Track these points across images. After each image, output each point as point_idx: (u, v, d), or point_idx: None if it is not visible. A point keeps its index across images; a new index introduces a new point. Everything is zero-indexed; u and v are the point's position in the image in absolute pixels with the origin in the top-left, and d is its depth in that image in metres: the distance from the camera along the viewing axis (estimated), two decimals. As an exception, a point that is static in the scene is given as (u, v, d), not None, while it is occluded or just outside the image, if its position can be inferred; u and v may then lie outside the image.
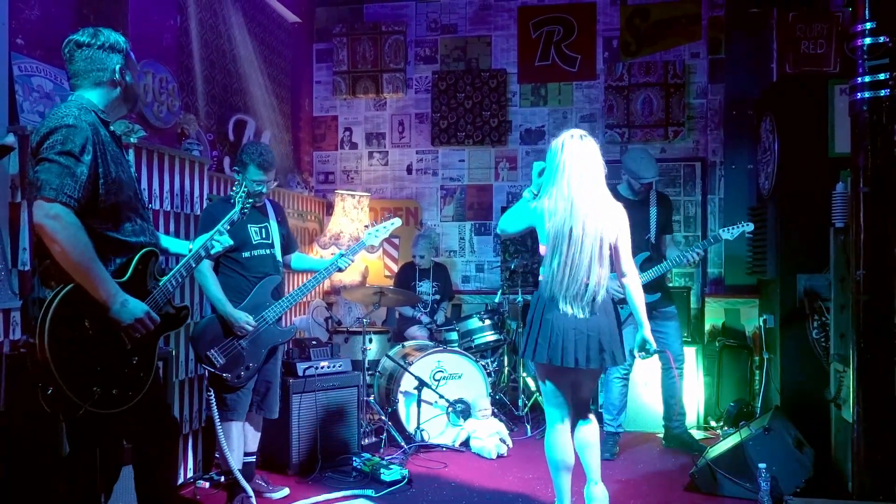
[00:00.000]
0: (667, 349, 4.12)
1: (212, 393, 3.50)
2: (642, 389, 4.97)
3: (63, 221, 2.18)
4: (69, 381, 2.20)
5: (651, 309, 4.15)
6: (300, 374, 4.22)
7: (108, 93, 2.41)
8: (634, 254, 4.08)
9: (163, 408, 2.62)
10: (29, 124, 3.34)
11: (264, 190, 3.61)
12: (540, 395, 4.99)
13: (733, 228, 4.14)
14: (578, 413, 3.18)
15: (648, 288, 4.12)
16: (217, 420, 3.49)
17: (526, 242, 6.36)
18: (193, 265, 2.69)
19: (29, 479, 2.72)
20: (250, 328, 3.49)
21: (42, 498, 2.68)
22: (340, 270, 3.80)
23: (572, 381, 3.12)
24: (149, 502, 2.55)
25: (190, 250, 2.75)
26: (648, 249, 4.27)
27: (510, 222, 3.14)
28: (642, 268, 4.19)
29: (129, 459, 2.59)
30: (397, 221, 4.07)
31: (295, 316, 5.86)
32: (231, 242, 2.86)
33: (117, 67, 2.39)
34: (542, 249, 3.09)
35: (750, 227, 4.14)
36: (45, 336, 2.17)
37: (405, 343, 5.21)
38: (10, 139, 3.20)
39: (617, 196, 4.25)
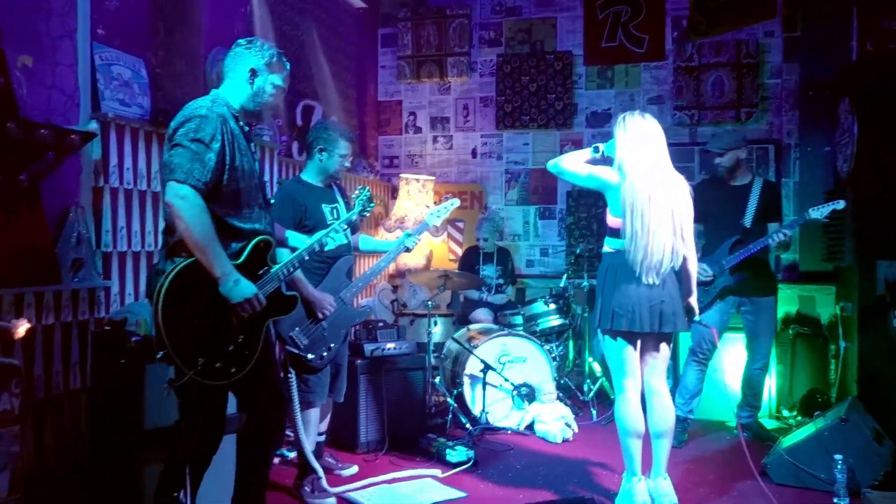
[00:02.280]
0: (712, 325, 3.91)
1: (292, 375, 3.49)
2: (718, 376, 4.87)
3: (190, 202, 2.32)
4: (177, 347, 2.31)
5: (740, 292, 4.24)
6: (367, 354, 4.27)
7: (241, 91, 2.58)
8: (725, 237, 4.15)
9: (272, 383, 2.66)
10: (110, 111, 3.45)
11: (348, 165, 3.65)
12: (607, 379, 5.08)
13: (823, 207, 3.97)
14: (651, 383, 3.24)
15: (736, 270, 4.18)
16: (296, 403, 3.49)
17: (591, 226, 6.28)
18: (306, 258, 2.78)
19: (112, 455, 2.79)
20: (333, 309, 3.54)
21: (126, 474, 2.75)
22: (408, 250, 3.84)
23: (647, 346, 3.23)
24: (249, 468, 2.63)
25: (307, 243, 2.86)
26: (740, 233, 4.20)
27: (568, 166, 3.20)
28: (730, 250, 4.18)
29: (232, 428, 2.69)
30: (456, 202, 4.09)
31: (363, 297, 5.96)
32: (345, 241, 2.91)
33: (252, 68, 2.57)
34: (611, 220, 3.16)
35: (841, 204, 3.94)
36: (161, 303, 2.28)
37: (470, 326, 5.23)
38: (93, 126, 3.34)
39: (713, 180, 4.31)
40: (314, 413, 3.61)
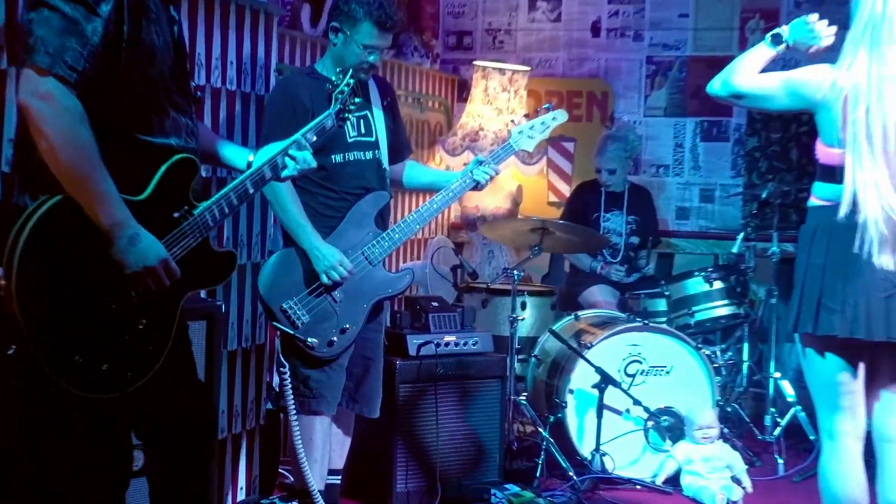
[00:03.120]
0: None
1: (287, 369, 3.62)
2: None
3: (56, 105, 2.26)
4: (39, 338, 2.27)
5: None
6: (412, 352, 4.33)
7: None
8: None
9: (193, 396, 2.72)
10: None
11: (377, 61, 3.70)
12: (805, 412, 4.96)
13: None
14: (887, 428, 3.17)
15: None
16: (293, 412, 3.63)
17: (789, 156, 6.18)
18: (251, 191, 2.74)
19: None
20: (345, 272, 3.64)
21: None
22: (480, 186, 3.90)
23: (880, 368, 3.14)
24: None
25: (249, 166, 2.82)
26: None
27: (744, 80, 3.19)
28: None
29: (144, 467, 2.72)
30: (561, 115, 4.06)
31: (404, 260, 5.99)
32: (315, 165, 2.89)
33: None
34: (824, 153, 3.11)
35: None
36: (15, 265, 2.24)
37: (579, 313, 5.21)
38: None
39: None
40: (320, 423, 3.71)
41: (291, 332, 3.61)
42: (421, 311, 4.50)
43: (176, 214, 2.54)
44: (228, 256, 2.72)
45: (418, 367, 4.30)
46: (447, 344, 4.41)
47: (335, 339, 3.67)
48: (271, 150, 2.84)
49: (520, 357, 5.06)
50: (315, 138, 2.92)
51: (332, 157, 3.71)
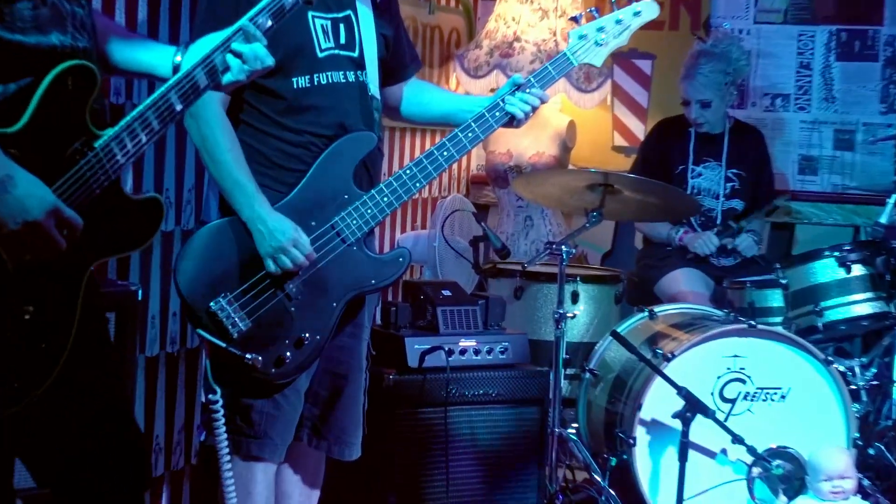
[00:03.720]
0: None
1: (218, 395, 3.51)
2: None
3: None
4: None
5: None
6: (413, 363, 4.41)
7: None
8: None
9: (115, 419, 2.74)
10: None
11: None
12: None
13: None
14: None
15: None
16: (225, 456, 3.56)
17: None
18: (177, 107, 2.71)
19: None
20: (302, 258, 3.56)
21: None
22: (513, 124, 3.87)
23: None
24: None
25: (176, 70, 2.80)
26: None
27: None
28: None
29: None
30: (649, 9, 3.95)
31: (401, 230, 6.01)
32: (272, 62, 2.83)
33: None
34: None
35: None
36: None
37: (656, 309, 5.24)
38: None
39: None
40: (262, 478, 3.70)
41: (223, 346, 3.51)
42: (426, 302, 4.55)
43: (71, 150, 2.53)
44: (152, 205, 2.70)
45: (421, 384, 4.35)
46: (463, 352, 4.49)
47: (288, 355, 3.58)
48: (206, 44, 2.77)
49: (568, 372, 5.07)
50: (270, 23, 2.81)
51: (294, 79, 3.64)
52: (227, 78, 2.76)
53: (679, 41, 6.53)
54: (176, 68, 2.78)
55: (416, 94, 4.09)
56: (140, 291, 3.77)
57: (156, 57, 2.88)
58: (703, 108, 5.78)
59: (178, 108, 2.69)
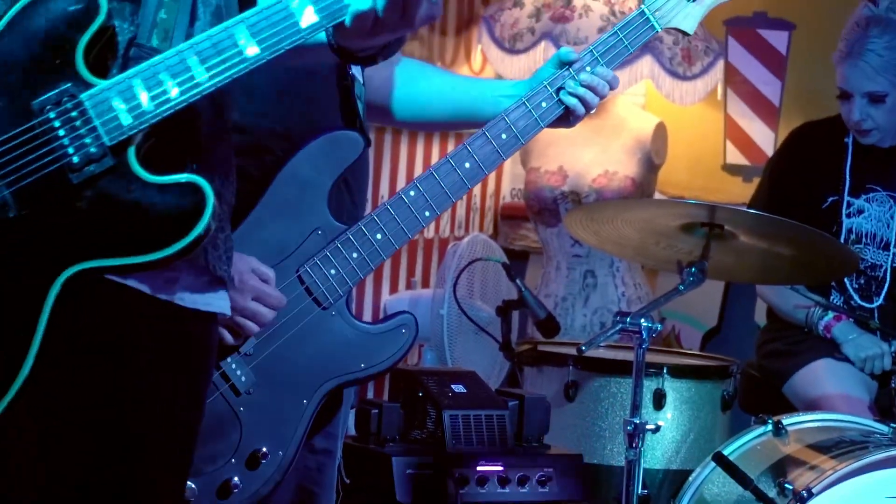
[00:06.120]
0: None
1: None
2: None
3: None
4: None
5: None
6: (404, 496, 4.22)
7: None
8: None
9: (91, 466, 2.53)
10: None
11: None
12: None
13: None
14: None
15: None
16: None
17: None
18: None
19: None
20: (266, 312, 3.24)
21: None
22: (567, 121, 3.41)
23: None
24: None
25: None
26: None
27: None
28: None
29: None
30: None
31: (390, 289, 6.00)
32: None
33: None
34: None
35: None
36: None
37: (785, 421, 4.62)
38: None
39: None
40: None
41: None
42: (426, 402, 4.34)
43: (36, 102, 2.41)
44: (188, 191, 2.43)
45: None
46: (483, 480, 4.24)
47: (236, 480, 3.21)
48: None
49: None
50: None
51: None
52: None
53: (832, 2, 6.05)
54: None
55: (415, 82, 3.67)
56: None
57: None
58: (871, 105, 5.04)
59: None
